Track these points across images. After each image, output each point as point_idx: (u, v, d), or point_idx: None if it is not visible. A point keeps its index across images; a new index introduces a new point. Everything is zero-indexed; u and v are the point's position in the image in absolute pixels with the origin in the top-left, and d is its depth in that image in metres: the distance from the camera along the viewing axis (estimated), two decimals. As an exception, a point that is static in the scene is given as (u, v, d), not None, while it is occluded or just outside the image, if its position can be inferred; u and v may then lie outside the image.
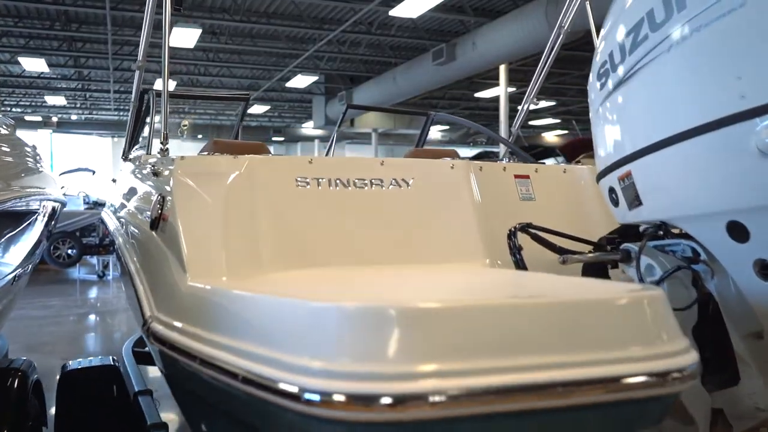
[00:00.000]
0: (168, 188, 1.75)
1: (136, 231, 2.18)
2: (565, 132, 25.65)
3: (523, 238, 2.01)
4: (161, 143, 2.39)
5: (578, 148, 17.28)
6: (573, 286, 1.26)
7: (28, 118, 24.76)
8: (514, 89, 15.98)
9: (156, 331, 1.50)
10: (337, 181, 1.92)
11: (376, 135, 21.00)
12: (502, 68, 13.36)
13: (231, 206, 1.71)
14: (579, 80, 17.45)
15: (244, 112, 4.34)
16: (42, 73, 17.37)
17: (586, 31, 3.75)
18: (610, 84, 1.60)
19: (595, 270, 1.82)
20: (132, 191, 2.59)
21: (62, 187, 14.32)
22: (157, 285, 1.70)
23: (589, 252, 1.83)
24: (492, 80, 15.74)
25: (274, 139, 28.39)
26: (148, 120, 3.33)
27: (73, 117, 25.76)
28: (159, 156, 2.38)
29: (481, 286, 1.44)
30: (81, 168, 17.54)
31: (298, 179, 1.89)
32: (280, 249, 1.76)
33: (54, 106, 23.20)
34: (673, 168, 1.43)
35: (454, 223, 1.98)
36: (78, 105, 23.50)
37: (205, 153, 3.17)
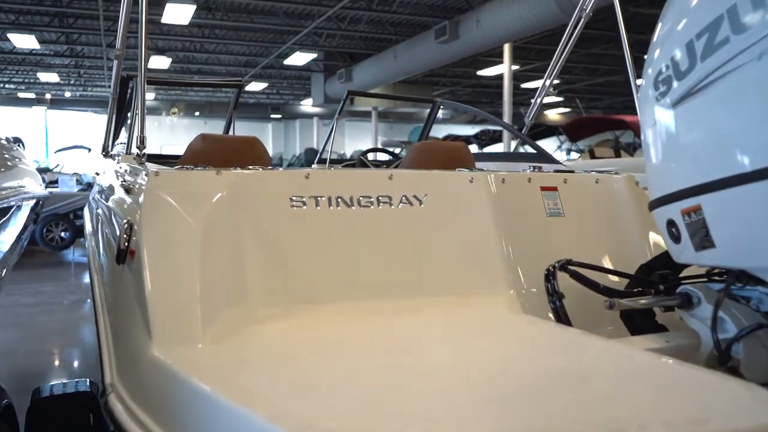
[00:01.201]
0: (137, 214, 1.46)
1: (105, 259, 1.90)
2: (568, 110, 25.23)
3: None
4: (138, 148, 2.10)
5: (581, 127, 16.98)
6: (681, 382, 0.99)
7: (21, 95, 24.34)
8: (517, 67, 15.61)
9: (113, 409, 1.23)
10: (339, 200, 1.64)
11: (376, 113, 20.60)
12: (506, 46, 12.98)
13: (213, 237, 1.43)
14: (584, 58, 17.04)
15: (237, 99, 4.04)
16: (33, 49, 16.94)
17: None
18: (672, 95, 1.30)
19: (641, 313, 1.54)
20: (105, 205, 2.29)
21: (57, 165, 14.06)
22: (121, 340, 1.43)
23: (637, 289, 1.55)
24: (495, 58, 15.34)
25: (272, 116, 27.99)
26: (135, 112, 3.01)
27: (67, 94, 25.31)
28: (135, 163, 2.09)
29: (522, 382, 1.13)
30: (76, 145, 17.25)
31: (293, 198, 1.61)
32: (273, 287, 1.48)
33: (47, 83, 22.76)
34: (764, 208, 1.14)
35: (473, 247, 1.71)
36: (72, 82, 23.05)
37: (194, 147, 2.88)
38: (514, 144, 15.39)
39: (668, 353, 1.37)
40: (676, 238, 1.37)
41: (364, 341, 1.30)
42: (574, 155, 22.35)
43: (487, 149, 19.15)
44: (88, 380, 2.50)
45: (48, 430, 2.28)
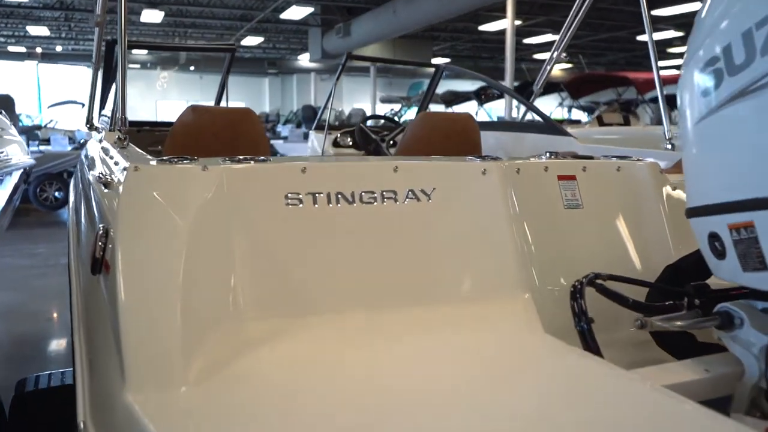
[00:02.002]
0: (114, 218, 1.30)
1: (82, 263, 1.74)
2: (570, 66, 24.76)
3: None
4: (119, 130, 1.93)
5: (584, 84, 16.65)
6: None
7: (11, 48, 23.81)
8: (520, 22, 15.19)
9: None
10: (339, 196, 1.48)
11: (375, 69, 20.18)
12: (509, 0, 12.57)
13: (199, 244, 1.28)
14: (588, 13, 16.56)
15: (230, 65, 3.83)
16: (21, 2, 16.45)
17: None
18: (724, 90, 1.13)
19: (677, 334, 1.39)
20: (84, 194, 2.11)
21: (50, 121, 13.82)
22: (95, 369, 1.29)
23: (668, 302, 1.41)
24: (497, 13, 14.91)
25: (269, 71, 27.50)
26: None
27: (59, 48, 24.76)
28: (117, 147, 1.92)
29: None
30: (69, 101, 16.95)
31: (289, 195, 1.44)
32: (267, 298, 1.34)
33: (37, 37, 22.23)
34: None
35: (485, 245, 1.56)
36: (63, 35, 22.50)
37: (184, 119, 2.71)
38: (515, 103, 15.10)
39: (710, 387, 1.24)
40: (719, 254, 1.22)
41: (370, 376, 1.16)
42: (576, 112, 22.04)
43: (488, 106, 18.85)
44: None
45: (32, 423, 2.18)
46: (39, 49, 24.17)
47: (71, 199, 2.97)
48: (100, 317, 1.30)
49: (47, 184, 10.99)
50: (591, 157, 1.88)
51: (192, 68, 26.18)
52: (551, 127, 3.35)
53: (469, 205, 1.58)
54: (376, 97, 20.41)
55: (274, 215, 1.42)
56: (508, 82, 13.47)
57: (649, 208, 1.80)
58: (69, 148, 11.43)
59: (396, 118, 16.50)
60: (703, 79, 1.21)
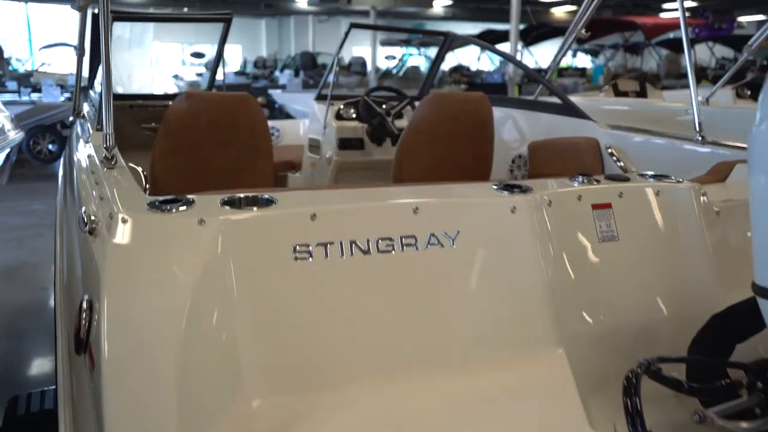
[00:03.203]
0: (98, 287, 1.14)
1: (67, 329, 1.55)
2: (575, 8, 24.02)
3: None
4: (106, 149, 1.74)
5: (590, 28, 16.23)
6: None
7: (-2, -12, 23.01)
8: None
9: None
10: (353, 246, 1.31)
11: (375, 13, 19.53)
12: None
13: (197, 320, 1.12)
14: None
15: (226, 36, 3.58)
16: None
17: None
18: None
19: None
20: (68, 222, 1.89)
21: (43, 64, 13.50)
22: None
23: (725, 381, 1.26)
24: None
25: (265, 13, 26.69)
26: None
27: (48, -13, 23.91)
28: (104, 167, 1.74)
29: None
30: (61, 43, 16.44)
31: (297, 248, 1.28)
32: (275, 373, 1.19)
33: (26, -24, 21.43)
34: None
35: (515, 295, 1.41)
36: (52, -26, 21.71)
37: (178, 107, 2.51)
38: (520, 46, 14.66)
39: None
40: None
41: None
42: (581, 56, 21.51)
43: (489, 51, 18.34)
44: None
45: None
46: (28, -11, 23.36)
47: (59, 197, 2.78)
48: (82, 401, 1.16)
49: (40, 137, 10.75)
50: (627, 178, 1.70)
51: (185, 9, 25.36)
52: (569, 108, 3.15)
53: (496, 250, 1.42)
54: (376, 42, 19.84)
55: (281, 274, 1.26)
56: (513, 24, 13.04)
57: (692, 240, 1.63)
58: (61, 98, 11.12)
59: (399, 65, 16.11)
60: None
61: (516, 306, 1.41)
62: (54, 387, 2.34)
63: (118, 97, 4.11)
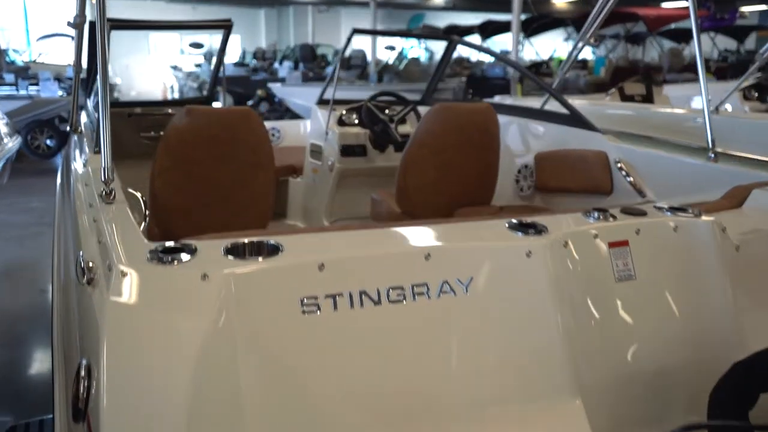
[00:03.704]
0: (97, 351, 1.09)
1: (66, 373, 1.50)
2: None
3: None
4: (104, 191, 1.68)
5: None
6: None
7: (-5, -22, 22.80)
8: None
9: None
10: (362, 296, 1.26)
11: (375, 3, 19.31)
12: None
13: (202, 385, 1.07)
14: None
15: (226, 44, 3.51)
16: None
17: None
18: None
19: None
20: (65, 246, 1.84)
21: (40, 54, 13.43)
22: None
23: (743, 423, 1.22)
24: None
25: (264, 3, 26.49)
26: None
27: (45, -23, 23.70)
28: (102, 200, 1.68)
29: None
30: (58, 33, 16.32)
31: (305, 300, 1.23)
32: None
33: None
34: None
35: (530, 343, 1.36)
36: (48, -36, 21.51)
37: (178, 123, 2.45)
38: (521, 37, 14.52)
39: None
40: None
41: None
42: (580, 46, 21.31)
43: (490, 42, 18.23)
44: None
45: None
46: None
47: (54, 223, 2.72)
48: None
49: (38, 132, 10.68)
50: (644, 213, 1.64)
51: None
52: (577, 119, 3.08)
53: (511, 296, 1.37)
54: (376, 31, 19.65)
55: (289, 330, 1.21)
56: (515, 15, 12.90)
57: (711, 278, 1.58)
58: (59, 92, 11.03)
59: (399, 59, 15.98)
60: None
61: (531, 355, 1.36)
62: (51, 416, 2.29)
63: (117, 104, 4.04)
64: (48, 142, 10.76)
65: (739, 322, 1.55)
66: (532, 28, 17.02)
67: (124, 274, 1.17)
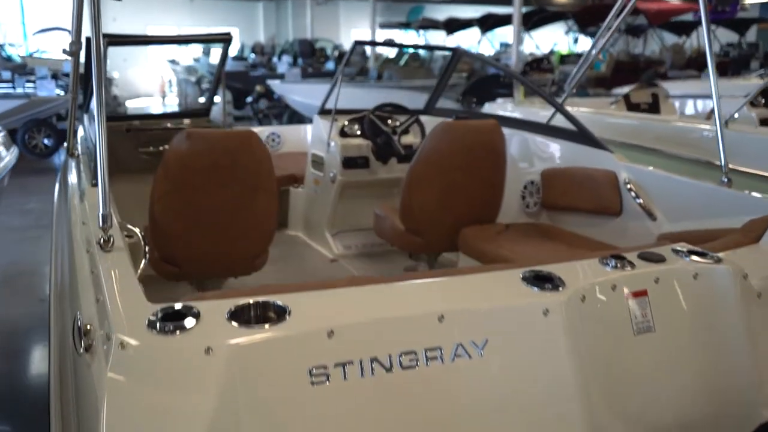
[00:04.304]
0: (96, 428, 1.03)
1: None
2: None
3: None
4: (102, 228, 1.62)
5: (592, 13, 15.99)
6: None
7: (-9, -29, 22.60)
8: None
9: None
10: (373, 363, 1.21)
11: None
12: None
13: None
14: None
15: (225, 58, 3.43)
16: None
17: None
18: None
19: None
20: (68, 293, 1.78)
21: (37, 50, 13.32)
22: None
23: None
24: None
25: (262, -5, 26.32)
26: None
27: (41, -30, 23.49)
28: (102, 248, 1.62)
29: None
30: (57, 27, 16.18)
31: (314, 371, 1.17)
32: None
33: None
34: None
35: (547, 407, 1.31)
36: (45, -44, 21.30)
37: (178, 147, 2.40)
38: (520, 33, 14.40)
39: None
40: None
41: None
42: (582, 40, 21.21)
43: (490, 35, 18.07)
44: None
45: None
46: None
47: (52, 248, 2.65)
48: None
49: (35, 131, 10.60)
50: (662, 258, 1.58)
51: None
52: (585, 136, 3.02)
53: (527, 356, 1.32)
54: (375, 23, 19.49)
55: (297, 402, 1.15)
56: (516, 7, 12.75)
57: (731, 329, 1.53)
58: (56, 91, 10.93)
59: (398, 55, 15.88)
60: None
61: (548, 415, 1.31)
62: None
63: (114, 118, 3.98)
64: (45, 141, 10.68)
65: (762, 375, 1.50)
66: (532, 21, 16.91)
67: (123, 346, 1.11)
